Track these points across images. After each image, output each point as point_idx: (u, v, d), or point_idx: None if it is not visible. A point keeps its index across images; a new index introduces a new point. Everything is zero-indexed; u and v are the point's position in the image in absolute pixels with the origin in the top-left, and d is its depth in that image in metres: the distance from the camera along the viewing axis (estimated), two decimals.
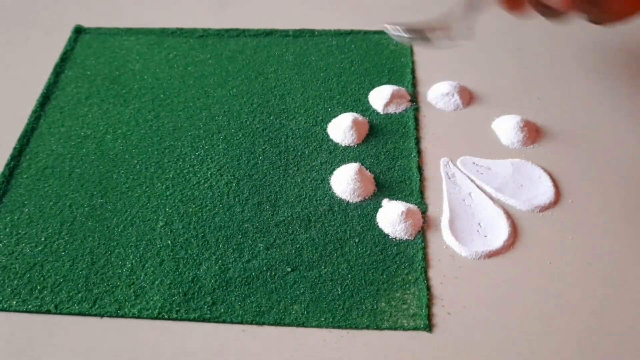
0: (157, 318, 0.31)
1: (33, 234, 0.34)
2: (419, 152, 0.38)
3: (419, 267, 0.32)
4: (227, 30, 0.47)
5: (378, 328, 0.30)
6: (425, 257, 0.33)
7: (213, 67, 0.44)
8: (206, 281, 0.32)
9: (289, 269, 0.32)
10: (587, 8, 0.31)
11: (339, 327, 0.30)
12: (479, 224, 0.34)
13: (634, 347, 0.29)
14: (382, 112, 0.40)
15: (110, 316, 0.31)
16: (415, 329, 0.30)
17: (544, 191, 0.35)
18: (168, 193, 0.36)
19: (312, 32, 0.46)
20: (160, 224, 0.35)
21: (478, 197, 0.35)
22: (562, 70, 0.43)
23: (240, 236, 0.34)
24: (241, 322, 0.30)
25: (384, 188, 0.36)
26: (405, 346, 0.29)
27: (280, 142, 0.39)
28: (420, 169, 0.37)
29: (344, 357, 0.29)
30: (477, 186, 0.36)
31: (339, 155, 0.38)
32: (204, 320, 0.31)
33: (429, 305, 0.31)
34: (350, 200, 0.35)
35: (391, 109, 0.40)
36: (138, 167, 0.38)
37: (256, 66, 0.44)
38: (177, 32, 0.47)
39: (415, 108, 0.41)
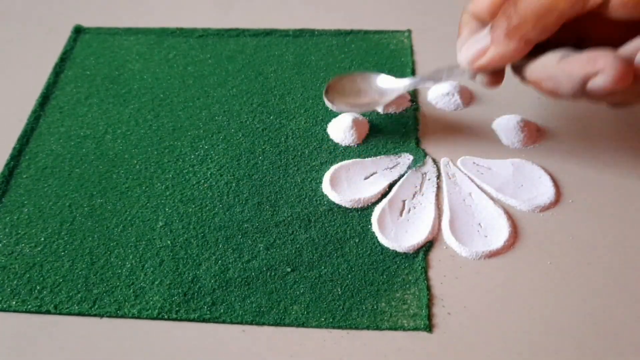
0: (156, 318, 0.31)
1: (32, 234, 0.34)
2: None
3: (419, 267, 0.32)
4: (227, 30, 0.47)
5: (378, 328, 0.30)
6: (425, 257, 0.33)
7: (213, 67, 0.44)
8: (206, 281, 0.32)
9: (289, 269, 0.32)
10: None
11: (339, 327, 0.30)
12: (479, 224, 0.34)
13: (634, 347, 0.29)
14: (382, 112, 0.40)
15: (110, 316, 0.31)
16: (416, 329, 0.30)
17: (545, 191, 0.35)
18: (168, 193, 0.36)
19: (312, 32, 0.46)
20: (160, 224, 0.34)
21: (478, 197, 0.35)
22: None
23: (240, 236, 0.34)
24: (241, 322, 0.30)
25: None
26: (406, 346, 0.29)
27: (280, 142, 0.39)
28: None
29: (344, 357, 0.29)
30: (478, 186, 0.36)
31: (339, 155, 0.38)
32: (204, 320, 0.31)
33: (429, 306, 0.31)
34: None
35: (391, 109, 0.40)
36: (138, 167, 0.38)
37: (256, 66, 0.44)
38: (177, 32, 0.47)
39: (415, 108, 0.40)
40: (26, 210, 0.35)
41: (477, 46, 0.29)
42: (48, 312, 0.31)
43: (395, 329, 0.30)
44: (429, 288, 0.31)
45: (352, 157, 0.37)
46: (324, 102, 0.41)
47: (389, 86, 0.36)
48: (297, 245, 0.33)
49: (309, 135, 0.39)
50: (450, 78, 0.33)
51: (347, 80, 0.38)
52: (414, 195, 0.35)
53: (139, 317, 0.31)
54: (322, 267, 0.32)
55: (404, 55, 0.44)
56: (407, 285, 0.31)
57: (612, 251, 0.33)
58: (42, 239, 0.34)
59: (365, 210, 0.35)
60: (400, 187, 0.36)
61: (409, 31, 0.46)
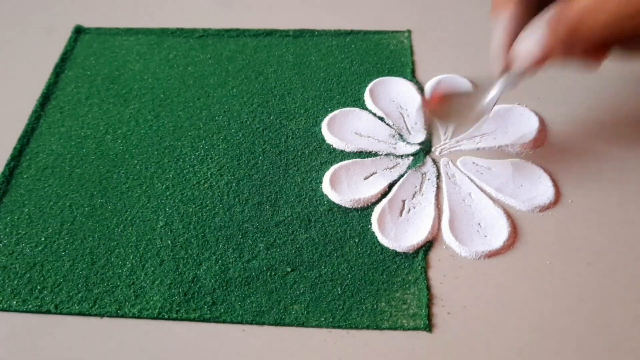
0: (157, 318, 0.31)
1: (33, 234, 0.34)
2: None
3: (419, 267, 0.32)
4: (227, 30, 0.47)
5: (378, 328, 0.30)
6: (425, 257, 0.33)
7: (213, 67, 0.44)
8: (206, 281, 0.32)
9: (289, 269, 0.32)
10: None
11: (339, 327, 0.30)
12: (479, 224, 0.34)
13: (634, 347, 0.29)
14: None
15: (110, 316, 0.31)
16: (415, 329, 0.30)
17: (544, 191, 0.35)
18: (168, 193, 0.36)
19: (312, 32, 0.46)
20: (160, 224, 0.35)
21: (478, 197, 0.35)
22: (562, 70, 0.43)
23: (240, 236, 0.34)
24: (241, 322, 0.30)
25: None
26: (405, 346, 0.29)
27: (280, 142, 0.39)
28: None
29: (344, 357, 0.29)
30: (477, 186, 0.36)
31: (339, 155, 0.38)
32: (204, 320, 0.31)
33: (429, 305, 0.31)
34: None
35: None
36: (138, 167, 0.38)
37: (256, 66, 0.44)
38: (177, 32, 0.47)
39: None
40: (27, 210, 0.35)
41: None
42: (48, 312, 0.31)
43: (395, 328, 0.30)
44: (428, 288, 0.31)
45: (351, 158, 0.37)
46: (324, 102, 0.41)
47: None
48: (297, 245, 0.33)
49: (309, 135, 0.39)
50: (512, 83, 0.33)
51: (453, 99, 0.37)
52: (413, 195, 0.35)
53: (139, 317, 0.31)
54: (322, 267, 0.32)
55: (404, 56, 0.44)
56: (407, 285, 0.32)
57: (612, 251, 0.33)
58: (43, 238, 0.34)
59: (365, 210, 0.35)
60: (400, 187, 0.36)
61: (409, 31, 0.46)
